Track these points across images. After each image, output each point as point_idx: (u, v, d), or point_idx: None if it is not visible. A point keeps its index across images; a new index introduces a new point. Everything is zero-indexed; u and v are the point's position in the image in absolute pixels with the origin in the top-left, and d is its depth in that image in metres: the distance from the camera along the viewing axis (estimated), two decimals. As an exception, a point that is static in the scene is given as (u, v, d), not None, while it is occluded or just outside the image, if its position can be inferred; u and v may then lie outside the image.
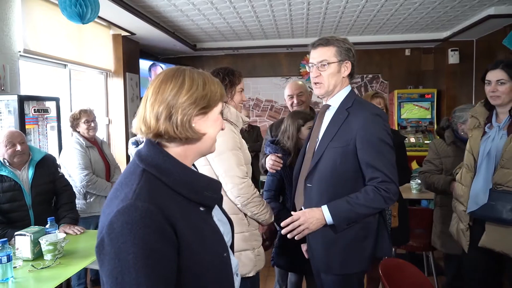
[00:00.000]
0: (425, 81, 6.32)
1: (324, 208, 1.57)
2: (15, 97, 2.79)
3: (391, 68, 6.48)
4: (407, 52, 6.39)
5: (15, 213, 2.31)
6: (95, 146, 3.21)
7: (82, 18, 2.72)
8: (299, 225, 1.58)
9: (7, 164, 2.33)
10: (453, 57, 5.66)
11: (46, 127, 3.13)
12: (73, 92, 4.18)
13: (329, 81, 1.64)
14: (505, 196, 1.86)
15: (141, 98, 5.38)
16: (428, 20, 4.99)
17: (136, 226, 0.78)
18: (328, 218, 1.55)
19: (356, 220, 1.59)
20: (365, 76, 6.55)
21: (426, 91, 5.91)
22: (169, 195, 0.87)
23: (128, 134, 5.04)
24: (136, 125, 0.94)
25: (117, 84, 5.00)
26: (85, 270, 3.10)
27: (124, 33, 4.88)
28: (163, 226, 0.80)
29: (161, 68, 6.01)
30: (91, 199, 3.10)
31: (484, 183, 1.95)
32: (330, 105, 1.70)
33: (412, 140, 5.70)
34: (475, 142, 2.04)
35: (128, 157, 4.65)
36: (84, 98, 4.49)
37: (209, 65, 6.56)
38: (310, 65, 1.70)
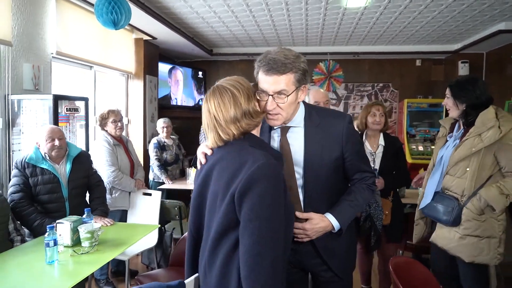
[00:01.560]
0: (435, 91, 6.44)
1: (330, 216, 1.53)
2: (50, 97, 2.98)
3: (402, 78, 6.62)
4: (418, 63, 6.54)
5: (52, 204, 2.50)
6: (121, 145, 3.40)
7: (115, 24, 2.90)
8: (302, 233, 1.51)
9: (48, 158, 2.52)
10: (463, 69, 5.80)
11: (75, 125, 3.32)
12: (96, 93, 4.39)
13: (288, 111, 1.44)
14: (445, 200, 2.14)
15: (159, 100, 5.53)
16: (440, 32, 5.14)
17: (272, 177, 1.15)
18: (337, 226, 1.53)
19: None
20: (375, 84, 6.70)
21: (435, 101, 6.02)
22: None
23: (146, 134, 5.24)
24: (215, 139, 1.25)
25: (137, 86, 5.21)
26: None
27: (146, 37, 5.09)
28: (282, 179, 1.19)
29: (180, 71, 6.21)
30: (116, 194, 3.29)
31: (432, 187, 2.23)
32: (291, 127, 1.54)
33: (421, 148, 5.82)
34: (436, 150, 2.35)
35: (146, 155, 4.83)
36: (105, 98, 4.69)
37: (224, 70, 6.74)
38: (260, 91, 1.38)
